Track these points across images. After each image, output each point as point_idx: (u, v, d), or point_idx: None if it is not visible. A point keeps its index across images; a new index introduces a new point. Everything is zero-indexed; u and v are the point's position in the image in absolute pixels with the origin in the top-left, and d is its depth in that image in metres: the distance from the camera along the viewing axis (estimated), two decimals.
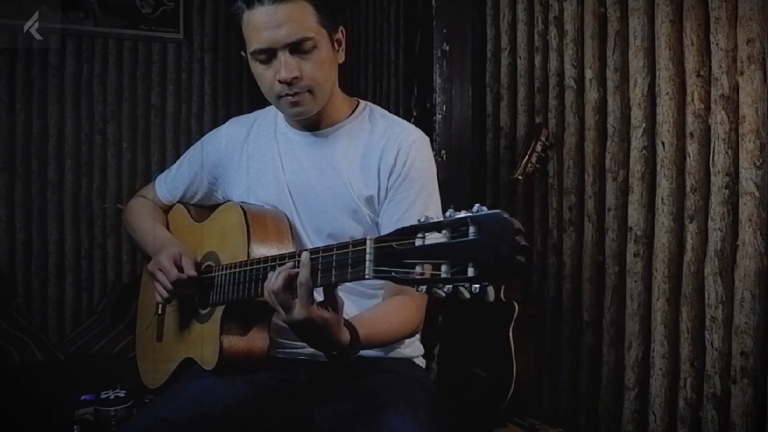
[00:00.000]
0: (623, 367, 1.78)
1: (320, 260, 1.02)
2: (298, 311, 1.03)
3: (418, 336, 1.44)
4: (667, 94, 1.64)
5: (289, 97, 1.26)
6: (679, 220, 1.63)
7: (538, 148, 1.96)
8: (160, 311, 1.48)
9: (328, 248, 1.02)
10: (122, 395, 1.99)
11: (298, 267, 1.03)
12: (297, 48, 1.23)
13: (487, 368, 1.90)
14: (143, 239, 1.50)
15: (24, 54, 3.05)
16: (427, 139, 1.38)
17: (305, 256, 1.02)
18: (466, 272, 0.79)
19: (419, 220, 0.86)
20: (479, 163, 2.35)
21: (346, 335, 1.09)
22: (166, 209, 1.58)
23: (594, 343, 1.90)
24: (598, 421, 1.88)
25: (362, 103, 1.43)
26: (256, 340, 1.25)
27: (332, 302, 1.05)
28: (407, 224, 0.89)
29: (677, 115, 1.63)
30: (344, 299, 1.09)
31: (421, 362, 1.45)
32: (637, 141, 1.73)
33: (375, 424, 1.13)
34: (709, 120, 1.55)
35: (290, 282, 1.04)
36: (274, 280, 1.05)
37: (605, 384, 1.86)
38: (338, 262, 0.99)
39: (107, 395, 2.00)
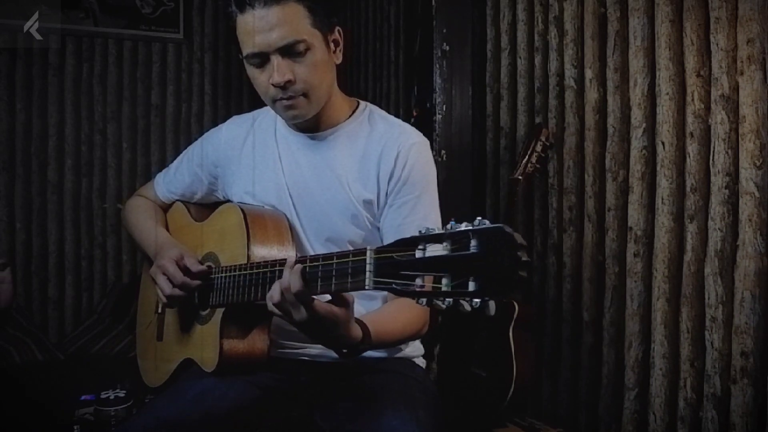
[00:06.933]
0: (623, 367, 1.78)
1: (320, 268, 1.01)
2: (298, 314, 1.03)
3: None
4: (667, 94, 1.64)
5: (284, 101, 1.25)
6: (679, 220, 1.63)
7: (538, 148, 1.96)
8: (159, 310, 1.48)
9: (328, 256, 1.01)
10: (122, 395, 1.99)
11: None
12: (289, 51, 1.21)
13: (487, 368, 1.90)
14: (142, 239, 1.50)
15: (24, 54, 3.04)
16: (427, 142, 1.37)
17: (290, 261, 1.03)
18: (467, 286, 0.77)
19: (420, 231, 0.84)
20: (479, 163, 2.35)
21: (357, 330, 1.09)
22: (166, 208, 1.57)
23: (594, 343, 1.90)
24: (598, 421, 1.88)
25: (362, 104, 1.41)
26: (256, 342, 1.25)
27: (341, 298, 1.04)
28: (409, 229, 0.88)
29: (677, 115, 1.63)
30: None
31: (421, 362, 1.45)
32: (637, 141, 1.73)
33: (375, 424, 1.13)
34: (709, 120, 1.55)
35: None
36: (276, 294, 1.05)
37: (605, 384, 1.86)
38: (338, 271, 0.98)
39: (107, 395, 2.00)
